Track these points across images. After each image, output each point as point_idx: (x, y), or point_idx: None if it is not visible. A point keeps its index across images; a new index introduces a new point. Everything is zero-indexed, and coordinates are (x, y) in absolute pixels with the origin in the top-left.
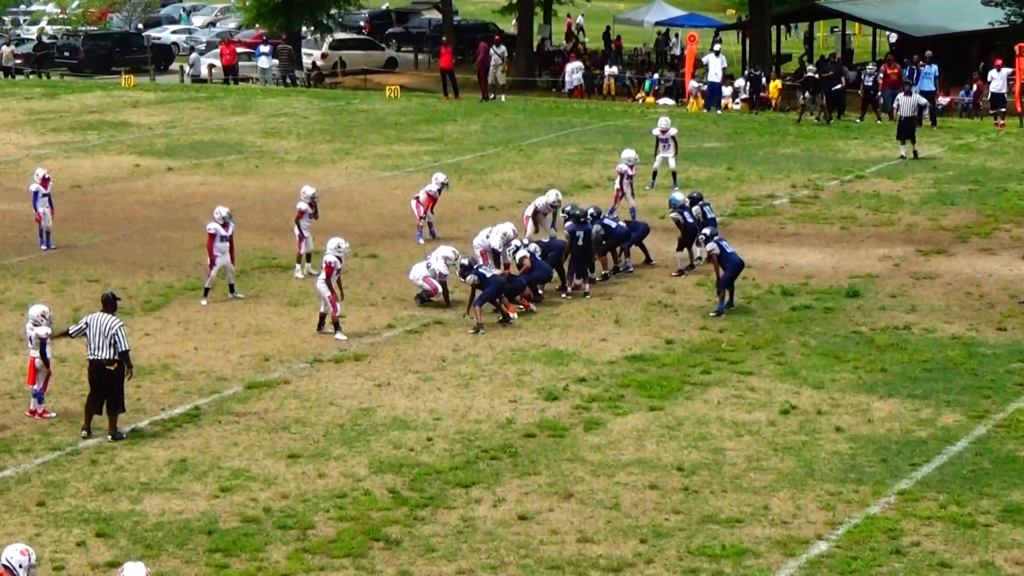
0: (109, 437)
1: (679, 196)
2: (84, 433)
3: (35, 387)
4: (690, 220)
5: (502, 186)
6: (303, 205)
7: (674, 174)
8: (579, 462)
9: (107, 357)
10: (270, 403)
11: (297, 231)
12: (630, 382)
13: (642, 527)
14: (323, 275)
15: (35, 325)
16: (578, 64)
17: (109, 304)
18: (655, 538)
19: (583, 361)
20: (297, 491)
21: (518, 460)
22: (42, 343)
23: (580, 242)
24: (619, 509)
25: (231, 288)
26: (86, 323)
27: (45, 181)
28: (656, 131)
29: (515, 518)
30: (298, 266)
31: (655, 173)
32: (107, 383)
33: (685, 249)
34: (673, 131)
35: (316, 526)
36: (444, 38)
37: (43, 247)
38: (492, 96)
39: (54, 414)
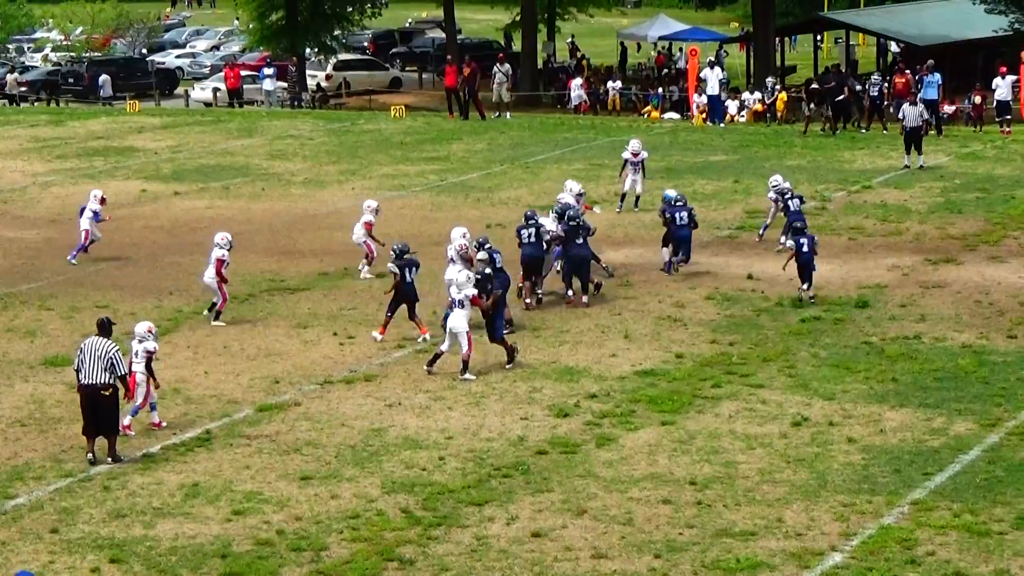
0: (109, 460)
1: (672, 193)
2: (90, 457)
3: (135, 403)
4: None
5: (509, 204)
6: (370, 217)
7: (637, 198)
8: (592, 478)
9: (102, 382)
10: (281, 425)
11: (367, 239)
12: (641, 397)
13: (656, 542)
14: (466, 311)
15: (141, 340)
16: (580, 80)
17: (104, 329)
18: (669, 553)
19: (593, 377)
20: (310, 513)
21: (530, 477)
22: (148, 357)
23: (530, 239)
24: (633, 524)
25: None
26: (79, 349)
27: (103, 201)
28: (627, 154)
29: (529, 535)
30: (367, 267)
31: (623, 196)
32: (103, 408)
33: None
34: (644, 155)
35: (330, 548)
36: (448, 57)
37: (75, 259)
38: (497, 114)
39: (165, 423)
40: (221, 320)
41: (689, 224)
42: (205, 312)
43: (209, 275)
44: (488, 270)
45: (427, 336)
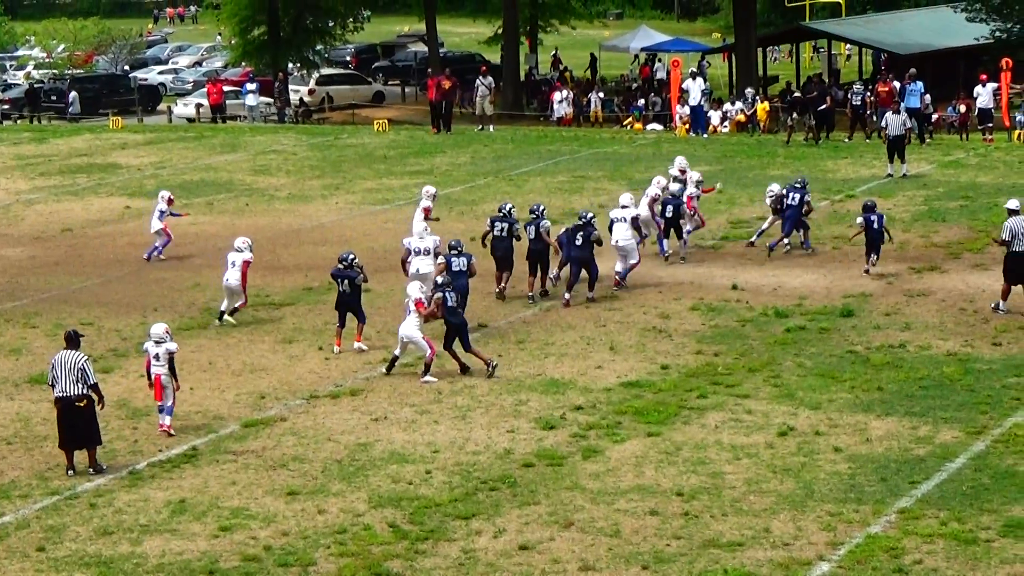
0: (91, 470)
1: (675, 186)
2: (70, 472)
3: (164, 403)
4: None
5: None
6: (428, 202)
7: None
8: (578, 490)
9: (76, 393)
10: (267, 441)
11: (425, 223)
12: (627, 409)
13: (644, 553)
14: (415, 317)
15: (159, 343)
16: (565, 93)
17: (72, 341)
18: (657, 564)
19: (579, 389)
20: (297, 528)
21: (517, 490)
22: (170, 358)
23: (531, 237)
24: (620, 536)
25: (222, 316)
26: (52, 365)
27: (170, 201)
28: (674, 171)
29: (516, 548)
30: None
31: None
32: (79, 419)
33: (672, 233)
34: (692, 175)
35: (317, 563)
36: (431, 70)
37: (157, 254)
38: (480, 126)
39: (174, 432)
40: (233, 318)
41: (799, 207)
42: (217, 321)
43: (235, 277)
44: (440, 279)
45: (363, 346)
